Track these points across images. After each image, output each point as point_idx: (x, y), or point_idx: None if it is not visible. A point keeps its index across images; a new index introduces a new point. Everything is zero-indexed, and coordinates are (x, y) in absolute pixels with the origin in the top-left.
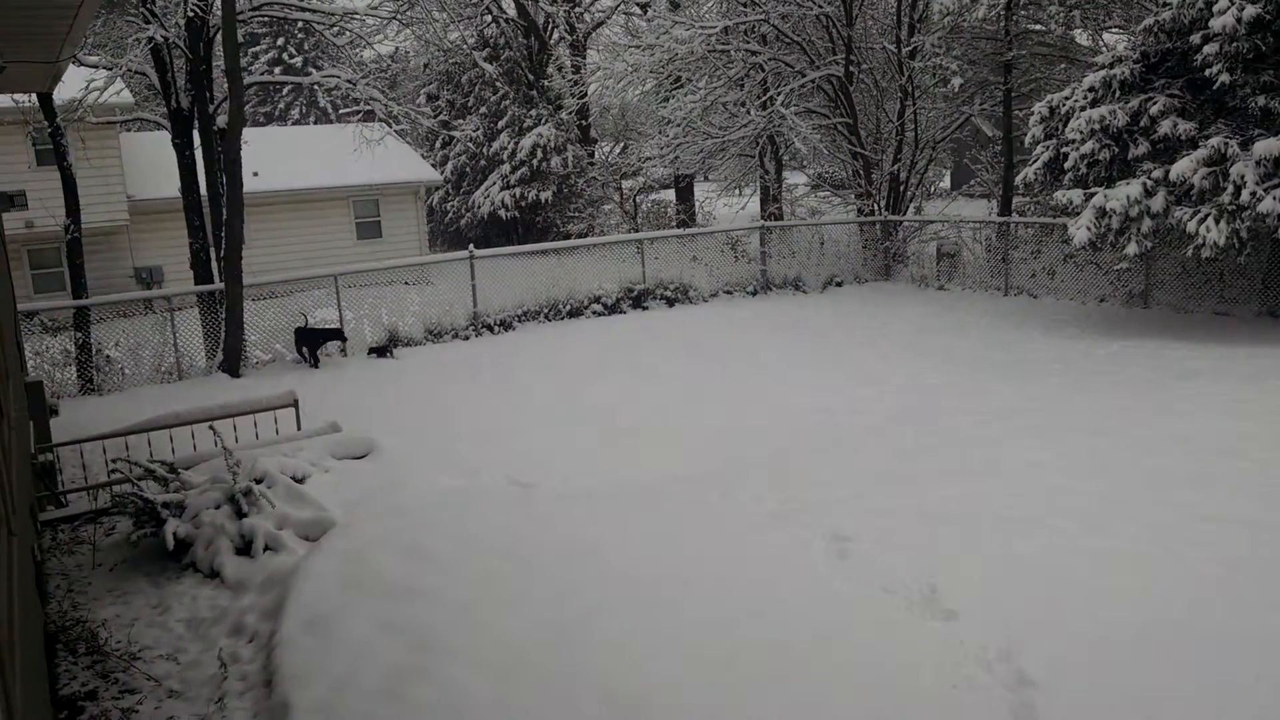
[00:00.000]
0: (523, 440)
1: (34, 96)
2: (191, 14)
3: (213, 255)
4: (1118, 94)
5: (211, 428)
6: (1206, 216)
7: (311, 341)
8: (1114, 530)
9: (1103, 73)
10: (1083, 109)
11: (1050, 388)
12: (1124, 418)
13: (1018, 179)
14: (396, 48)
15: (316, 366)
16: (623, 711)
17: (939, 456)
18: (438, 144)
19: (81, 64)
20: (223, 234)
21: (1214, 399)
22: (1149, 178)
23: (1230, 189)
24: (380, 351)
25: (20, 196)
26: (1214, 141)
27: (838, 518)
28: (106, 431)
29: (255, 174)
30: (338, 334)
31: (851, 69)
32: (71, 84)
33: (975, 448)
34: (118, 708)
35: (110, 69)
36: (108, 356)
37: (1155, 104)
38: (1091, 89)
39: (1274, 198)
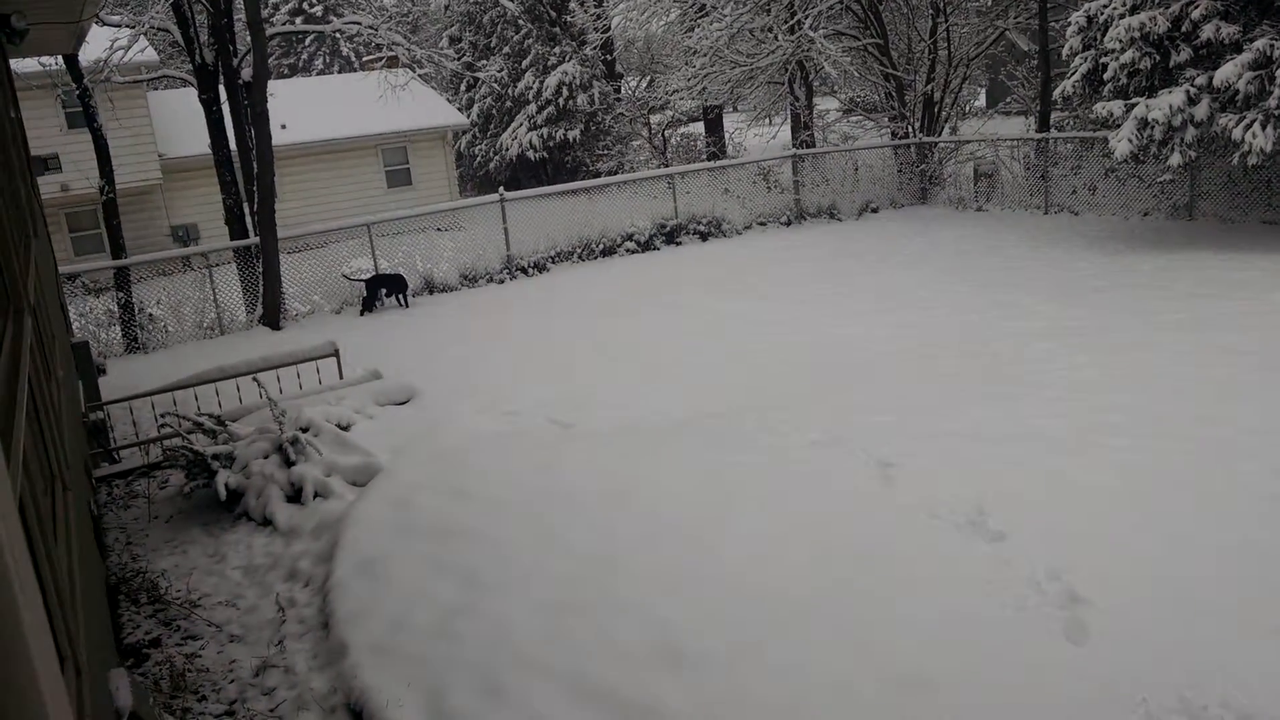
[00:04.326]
0: (560, 380)
1: (60, 59)
2: None
3: (246, 210)
4: None
5: (256, 380)
6: (1253, 122)
7: (389, 287)
8: (1162, 446)
9: None
10: (1121, 16)
11: (1095, 305)
12: (1171, 333)
13: (1055, 93)
14: None
15: (406, 306)
16: (666, 641)
17: (982, 378)
18: (462, 87)
19: (104, 23)
20: (254, 188)
21: (1264, 310)
22: (1192, 85)
23: (1276, 92)
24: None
25: (54, 160)
26: (1259, 44)
27: (881, 444)
28: (154, 388)
29: (284, 126)
30: (399, 280)
31: None
32: (96, 44)
33: (1019, 368)
34: (182, 654)
35: (133, 27)
36: (150, 315)
37: (1197, 7)
38: None
39: None
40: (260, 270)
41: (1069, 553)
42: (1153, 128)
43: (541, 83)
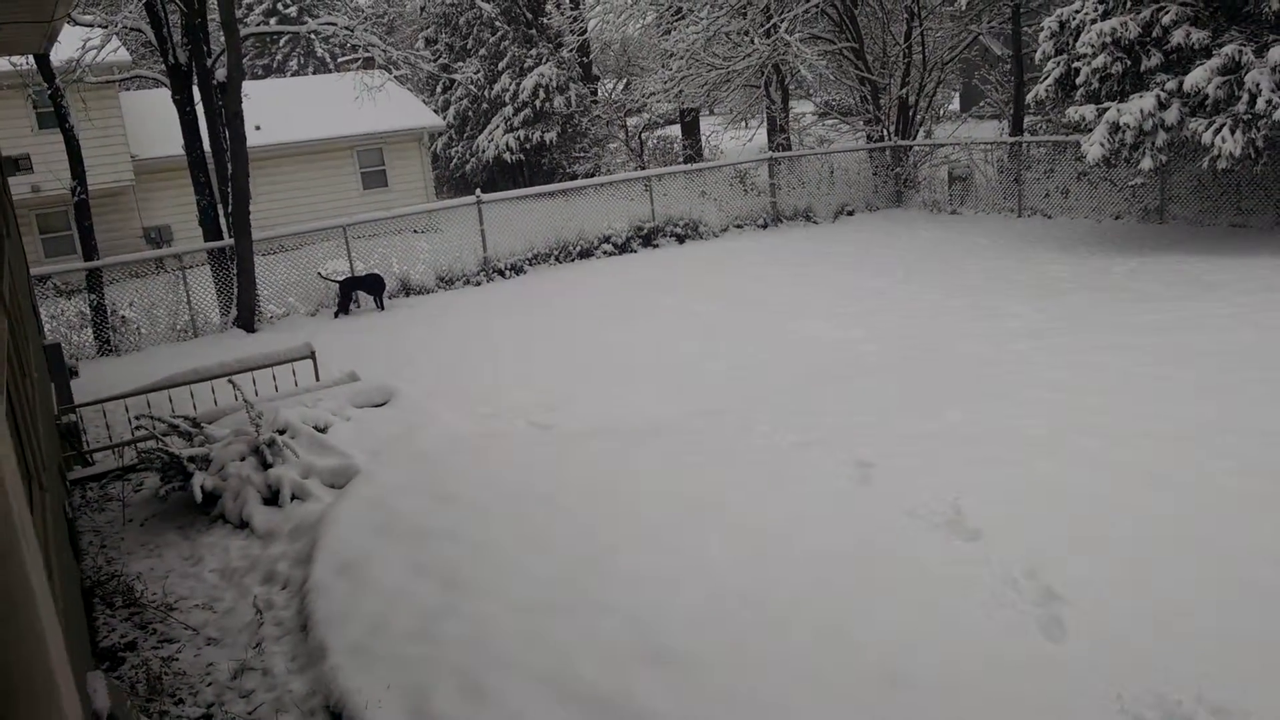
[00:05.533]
0: (539, 382)
1: (31, 59)
2: None
3: (220, 211)
4: (1129, 4)
5: (231, 382)
6: (1222, 127)
7: (365, 288)
8: (1136, 445)
9: None
10: (1093, 22)
11: (1068, 306)
12: (1143, 334)
13: (1029, 97)
14: None
15: (382, 308)
16: (648, 641)
17: (958, 380)
18: (438, 89)
19: (76, 23)
20: (229, 190)
21: (1234, 311)
22: (1162, 90)
23: (1245, 97)
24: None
25: (25, 160)
26: (1228, 49)
27: (859, 445)
28: (128, 390)
29: (258, 127)
30: (377, 281)
31: None
32: (68, 44)
33: (994, 369)
34: (158, 657)
35: (105, 27)
36: (123, 317)
37: (1167, 13)
38: (1102, 0)
39: None
40: (234, 272)
41: (1045, 551)
42: (1124, 132)
43: (518, 85)
